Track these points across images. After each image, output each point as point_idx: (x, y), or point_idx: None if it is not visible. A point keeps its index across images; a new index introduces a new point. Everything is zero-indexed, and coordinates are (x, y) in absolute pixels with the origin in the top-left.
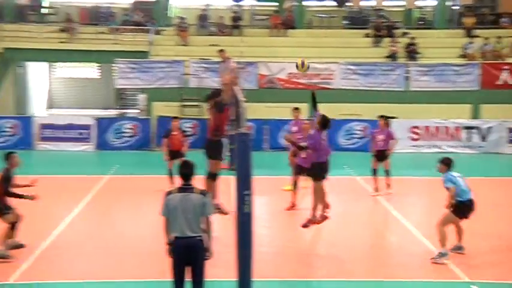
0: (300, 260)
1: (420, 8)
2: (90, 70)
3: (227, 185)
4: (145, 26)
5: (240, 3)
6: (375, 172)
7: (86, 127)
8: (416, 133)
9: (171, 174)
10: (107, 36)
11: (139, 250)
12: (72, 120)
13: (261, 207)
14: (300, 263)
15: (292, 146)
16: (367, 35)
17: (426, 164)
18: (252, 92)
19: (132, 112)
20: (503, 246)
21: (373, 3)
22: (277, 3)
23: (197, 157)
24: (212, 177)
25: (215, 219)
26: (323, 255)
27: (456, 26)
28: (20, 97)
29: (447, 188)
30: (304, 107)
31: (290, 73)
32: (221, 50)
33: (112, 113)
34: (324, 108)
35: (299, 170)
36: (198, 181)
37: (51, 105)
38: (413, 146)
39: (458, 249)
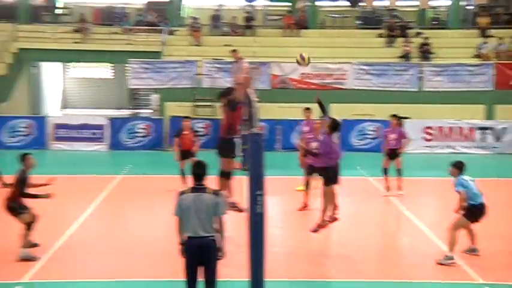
0: (312, 260)
1: (434, 8)
2: (104, 70)
3: (240, 185)
4: (159, 26)
5: (253, 3)
6: (385, 171)
7: (100, 127)
8: (430, 134)
9: (183, 174)
10: (120, 36)
11: (152, 250)
12: (86, 120)
13: (273, 207)
14: (312, 264)
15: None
16: (380, 35)
17: (440, 165)
18: (264, 92)
19: (145, 112)
20: None
21: (387, 3)
22: (290, 3)
23: (209, 157)
24: (225, 175)
25: (228, 219)
26: (335, 256)
27: (470, 26)
28: (34, 97)
29: (458, 192)
30: (316, 108)
31: (303, 73)
32: (234, 50)
33: (125, 113)
34: (336, 109)
35: (311, 170)
36: (211, 181)
37: (65, 105)
38: (427, 146)
39: (472, 251)
